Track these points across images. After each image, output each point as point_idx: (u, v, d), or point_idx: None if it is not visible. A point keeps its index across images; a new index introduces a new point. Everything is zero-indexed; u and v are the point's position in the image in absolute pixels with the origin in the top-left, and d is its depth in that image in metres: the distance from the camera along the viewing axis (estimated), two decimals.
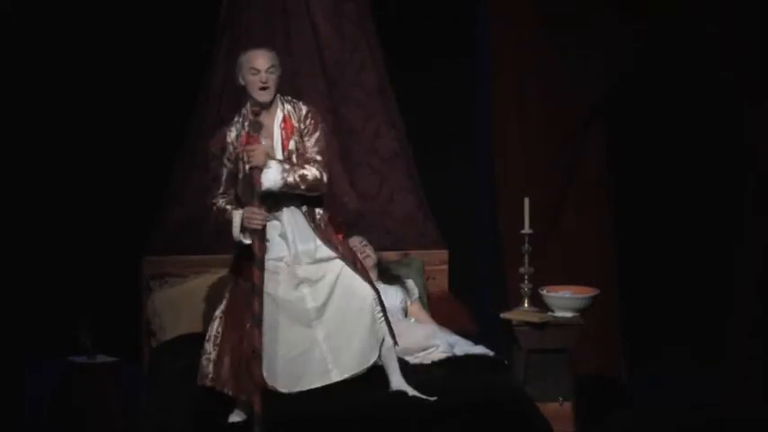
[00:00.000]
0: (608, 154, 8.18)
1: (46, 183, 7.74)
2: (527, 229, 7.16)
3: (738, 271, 8.00)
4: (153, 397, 6.73)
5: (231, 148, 6.23)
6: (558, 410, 6.84)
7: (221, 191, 6.27)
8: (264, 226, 6.10)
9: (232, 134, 6.26)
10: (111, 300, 7.70)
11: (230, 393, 6.13)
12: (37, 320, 7.57)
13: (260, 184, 6.08)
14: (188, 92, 7.81)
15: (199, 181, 7.84)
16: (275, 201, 6.21)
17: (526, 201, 7.18)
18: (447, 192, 8.15)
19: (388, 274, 7.48)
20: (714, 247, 8.18)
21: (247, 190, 6.14)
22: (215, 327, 6.26)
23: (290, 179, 6.12)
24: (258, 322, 6.00)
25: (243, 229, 6.12)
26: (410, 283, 7.55)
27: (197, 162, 7.84)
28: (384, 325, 6.24)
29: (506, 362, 6.93)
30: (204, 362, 6.23)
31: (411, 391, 6.23)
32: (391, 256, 7.80)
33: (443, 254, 8.04)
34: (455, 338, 7.09)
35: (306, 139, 6.27)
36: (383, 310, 6.25)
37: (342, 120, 7.98)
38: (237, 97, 7.84)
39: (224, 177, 6.26)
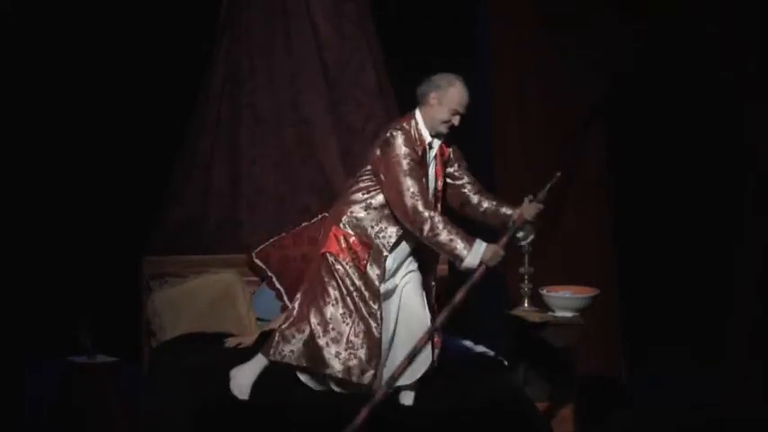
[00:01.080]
0: (608, 154, 8.18)
1: (46, 183, 7.74)
2: None
3: (738, 271, 8.00)
4: (153, 397, 6.72)
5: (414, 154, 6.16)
6: (558, 410, 6.83)
7: (426, 198, 6.11)
8: None
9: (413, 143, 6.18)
10: (111, 300, 7.70)
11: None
12: (37, 320, 7.57)
13: (520, 238, 6.38)
14: (188, 92, 7.81)
15: (199, 181, 7.86)
16: None
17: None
18: None
19: None
20: (714, 247, 8.19)
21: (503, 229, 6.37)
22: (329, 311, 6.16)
23: None
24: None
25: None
26: None
27: (197, 162, 7.86)
28: (431, 357, 6.23)
29: (506, 362, 6.93)
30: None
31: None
32: None
33: None
34: (455, 339, 7.08)
35: (461, 170, 6.41)
36: (432, 341, 6.27)
37: (342, 120, 7.98)
38: (237, 97, 7.90)
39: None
